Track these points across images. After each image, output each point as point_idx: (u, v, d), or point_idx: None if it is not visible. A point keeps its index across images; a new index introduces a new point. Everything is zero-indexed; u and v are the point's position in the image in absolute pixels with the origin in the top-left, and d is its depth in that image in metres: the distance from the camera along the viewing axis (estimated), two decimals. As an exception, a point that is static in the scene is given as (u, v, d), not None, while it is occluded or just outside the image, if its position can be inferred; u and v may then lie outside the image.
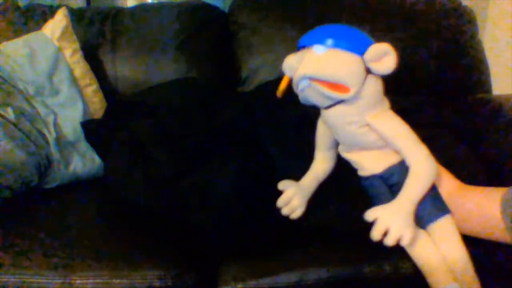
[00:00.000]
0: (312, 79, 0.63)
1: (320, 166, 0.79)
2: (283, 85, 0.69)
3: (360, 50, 0.63)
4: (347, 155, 0.72)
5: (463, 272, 0.62)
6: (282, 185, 0.78)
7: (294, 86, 0.68)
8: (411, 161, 0.63)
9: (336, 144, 0.76)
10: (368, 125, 0.65)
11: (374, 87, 0.65)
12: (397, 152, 0.66)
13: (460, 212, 0.65)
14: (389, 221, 0.60)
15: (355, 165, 0.72)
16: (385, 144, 0.66)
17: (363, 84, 0.63)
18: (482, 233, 0.64)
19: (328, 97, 0.64)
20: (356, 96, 0.63)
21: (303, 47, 0.67)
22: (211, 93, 1.05)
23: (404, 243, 0.61)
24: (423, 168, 0.63)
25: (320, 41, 0.64)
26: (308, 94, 0.66)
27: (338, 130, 0.69)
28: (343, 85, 0.62)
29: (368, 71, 0.64)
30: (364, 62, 0.63)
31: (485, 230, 0.63)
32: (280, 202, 0.76)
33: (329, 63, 0.63)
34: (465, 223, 0.64)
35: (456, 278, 0.62)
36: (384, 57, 0.62)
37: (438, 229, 0.64)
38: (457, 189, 0.67)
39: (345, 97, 0.63)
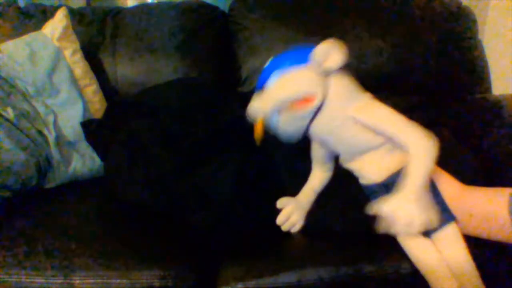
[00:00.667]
0: (278, 110, 0.65)
1: (317, 179, 0.80)
2: (258, 130, 0.69)
3: (304, 60, 0.65)
4: (350, 165, 0.72)
5: (469, 279, 0.61)
6: (280, 203, 0.79)
7: (270, 128, 0.69)
8: (406, 143, 0.62)
9: (332, 157, 0.77)
10: (357, 122, 0.65)
11: (341, 83, 0.66)
12: (391, 139, 0.65)
13: (464, 213, 0.64)
14: (407, 211, 0.58)
15: (357, 174, 0.72)
16: (383, 140, 0.66)
17: (327, 86, 0.64)
18: (488, 233, 0.63)
19: (302, 115, 0.65)
20: (326, 99, 0.64)
21: (261, 89, 0.69)
22: (211, 93, 1.05)
23: (431, 226, 0.59)
24: (421, 147, 0.62)
25: (268, 76, 0.67)
26: (284, 126, 0.67)
27: (332, 139, 0.69)
28: (306, 96, 0.63)
29: (327, 73, 0.65)
30: (315, 67, 0.64)
31: (490, 230, 0.62)
32: (279, 220, 0.77)
33: (282, 86, 0.65)
34: (470, 224, 0.64)
35: (461, 285, 0.61)
36: (330, 53, 0.64)
37: (443, 238, 0.64)
38: (460, 191, 0.66)
39: (315, 105, 0.63)
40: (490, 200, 0.62)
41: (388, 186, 0.67)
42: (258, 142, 0.70)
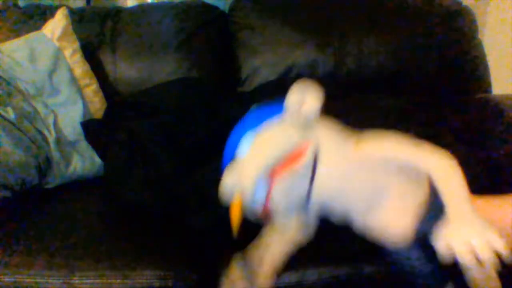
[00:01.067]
0: (265, 179, 0.52)
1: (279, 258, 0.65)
2: (236, 213, 0.55)
3: (273, 114, 0.56)
4: (369, 221, 0.59)
5: None
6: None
7: (252, 208, 0.55)
8: (427, 168, 0.55)
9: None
10: (363, 160, 0.56)
11: (327, 125, 0.57)
12: (404, 167, 0.56)
13: None
14: (466, 237, 0.49)
15: (379, 235, 0.59)
16: (396, 172, 0.56)
17: (313, 133, 0.55)
18: None
19: (300, 174, 0.53)
20: (319, 147, 0.54)
21: (231, 161, 0.58)
22: (211, 93, 1.05)
23: (500, 248, 0.49)
24: (445, 167, 0.55)
25: (237, 144, 0.57)
26: (280, 197, 0.53)
27: (343, 193, 0.57)
28: (295, 150, 0.53)
29: (306, 120, 0.55)
30: (292, 118, 0.55)
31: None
32: None
33: (261, 148, 0.54)
34: None
35: None
36: (304, 98, 0.55)
37: None
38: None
39: (310, 155, 0.53)
40: (501, 209, 0.60)
41: (420, 239, 0.57)
42: (235, 231, 0.55)
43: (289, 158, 0.52)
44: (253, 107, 0.60)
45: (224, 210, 0.78)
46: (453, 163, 0.55)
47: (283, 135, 0.54)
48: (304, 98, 0.55)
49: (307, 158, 0.53)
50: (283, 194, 0.54)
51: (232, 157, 0.58)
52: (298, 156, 0.53)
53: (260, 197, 0.53)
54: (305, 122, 0.55)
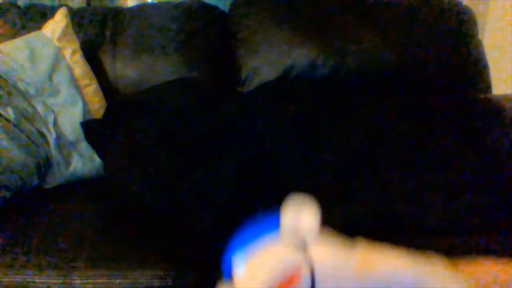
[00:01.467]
0: None
1: None
2: None
3: (269, 231, 0.54)
4: None
5: None
6: None
7: None
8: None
9: None
10: (364, 282, 0.53)
11: (325, 245, 0.54)
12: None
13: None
14: None
15: None
16: None
17: (309, 254, 0.52)
18: None
19: None
20: (316, 270, 0.51)
21: (228, 279, 0.56)
22: (211, 93, 1.05)
23: None
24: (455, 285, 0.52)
25: (232, 263, 0.54)
26: None
27: None
28: (287, 275, 0.50)
29: (304, 239, 0.53)
30: (288, 237, 0.53)
31: None
32: None
33: (253, 275, 0.52)
34: None
35: None
36: (299, 216, 0.52)
37: None
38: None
39: (305, 281, 0.51)
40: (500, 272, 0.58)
41: None
42: None
43: (286, 282, 0.50)
44: (246, 223, 0.57)
45: (224, 210, 0.78)
46: (460, 279, 0.53)
47: (277, 258, 0.52)
48: (300, 217, 0.52)
49: (303, 283, 0.51)
50: None
51: (228, 276, 0.56)
52: (295, 280, 0.51)
53: None
54: (302, 242, 0.53)
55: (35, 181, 0.95)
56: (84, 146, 1.03)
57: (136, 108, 0.99)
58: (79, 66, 1.11)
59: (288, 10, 1.28)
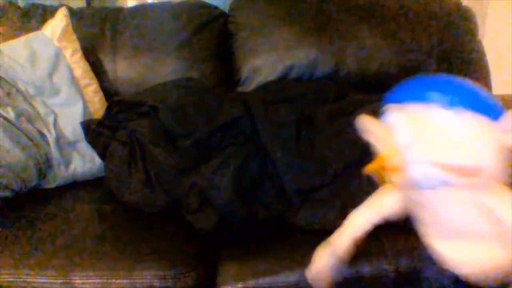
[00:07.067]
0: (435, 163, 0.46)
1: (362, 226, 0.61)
2: (375, 166, 0.51)
3: (492, 114, 0.48)
4: (440, 245, 0.54)
5: None
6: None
7: (400, 166, 0.49)
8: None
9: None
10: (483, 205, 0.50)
11: (502, 163, 0.49)
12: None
13: None
14: None
15: (447, 262, 0.54)
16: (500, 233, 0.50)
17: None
18: None
19: (450, 183, 0.47)
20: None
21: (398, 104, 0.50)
22: (211, 93, 1.05)
23: None
24: None
25: (421, 99, 0.49)
26: (452, 200, 0.49)
27: (441, 212, 0.52)
28: (477, 169, 0.47)
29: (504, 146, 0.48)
30: (498, 133, 0.48)
31: None
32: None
33: (465, 145, 0.46)
34: None
35: None
36: None
37: None
38: None
39: (473, 182, 0.47)
40: None
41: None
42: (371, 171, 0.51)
43: (466, 170, 0.46)
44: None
45: (224, 210, 0.78)
46: None
47: (485, 146, 0.46)
48: None
49: (467, 182, 0.47)
50: (455, 200, 0.49)
51: (401, 101, 0.51)
52: (471, 173, 0.47)
53: (418, 172, 0.47)
54: (500, 145, 0.48)
55: (35, 181, 0.95)
56: (84, 146, 1.03)
57: (136, 108, 0.99)
58: (79, 66, 1.12)
59: (288, 10, 1.28)
